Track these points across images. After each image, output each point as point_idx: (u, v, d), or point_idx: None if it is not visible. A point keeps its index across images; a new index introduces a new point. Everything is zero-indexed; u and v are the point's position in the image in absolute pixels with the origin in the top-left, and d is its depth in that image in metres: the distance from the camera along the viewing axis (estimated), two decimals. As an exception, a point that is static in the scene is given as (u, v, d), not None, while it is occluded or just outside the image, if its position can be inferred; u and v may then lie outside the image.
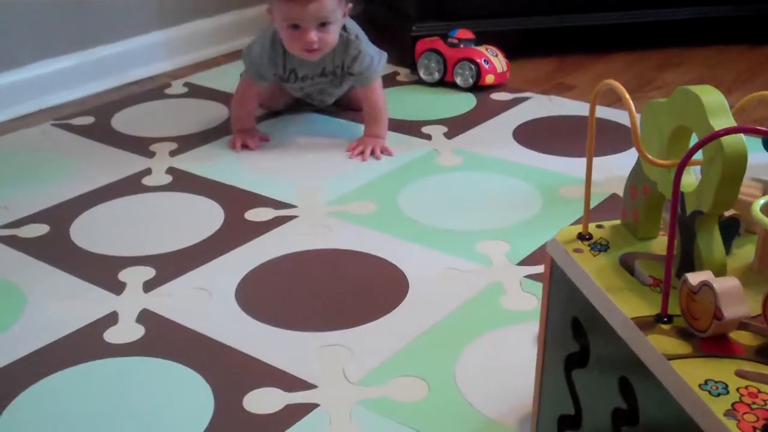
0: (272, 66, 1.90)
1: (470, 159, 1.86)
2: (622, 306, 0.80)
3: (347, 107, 2.10)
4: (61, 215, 1.65)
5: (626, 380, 0.80)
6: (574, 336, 0.92)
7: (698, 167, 0.79)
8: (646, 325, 0.77)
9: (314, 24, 1.79)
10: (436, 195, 1.70)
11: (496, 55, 2.24)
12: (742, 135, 0.74)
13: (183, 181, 1.78)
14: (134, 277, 1.45)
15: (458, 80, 2.23)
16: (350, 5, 1.86)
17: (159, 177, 1.80)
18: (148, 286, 1.43)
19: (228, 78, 2.32)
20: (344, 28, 1.89)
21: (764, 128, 0.72)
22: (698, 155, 0.76)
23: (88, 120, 2.10)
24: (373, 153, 1.88)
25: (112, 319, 1.34)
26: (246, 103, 1.96)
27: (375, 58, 1.93)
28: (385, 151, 1.89)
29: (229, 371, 1.22)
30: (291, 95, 2.06)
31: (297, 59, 1.88)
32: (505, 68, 2.25)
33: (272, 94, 2.05)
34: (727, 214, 0.87)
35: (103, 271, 1.47)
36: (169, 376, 1.22)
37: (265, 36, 1.90)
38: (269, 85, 1.97)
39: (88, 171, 1.83)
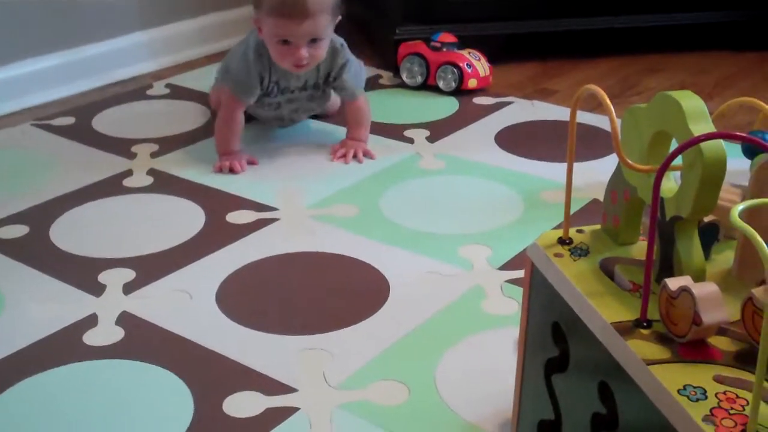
0: (258, 79, 1.82)
1: (452, 163, 1.86)
2: (602, 311, 0.81)
3: (322, 115, 2.08)
4: (41, 216, 1.64)
5: (606, 385, 0.80)
6: (554, 340, 0.92)
7: (678, 173, 0.79)
8: (626, 330, 0.78)
9: (306, 41, 1.75)
10: (418, 199, 1.70)
11: (479, 59, 2.25)
12: (721, 141, 0.74)
13: (164, 183, 1.77)
14: (114, 279, 1.45)
15: (441, 84, 2.24)
16: (339, 18, 1.82)
17: (140, 178, 1.79)
18: (128, 288, 1.42)
19: (210, 80, 2.31)
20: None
21: (743, 134, 0.72)
22: (678, 160, 0.76)
23: (69, 120, 2.09)
24: (355, 156, 1.87)
25: (91, 321, 1.34)
26: (233, 125, 1.86)
27: (358, 67, 1.92)
28: (367, 154, 1.88)
29: (209, 374, 1.22)
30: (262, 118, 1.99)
31: (281, 70, 1.83)
32: (488, 72, 2.25)
33: None
34: (706, 219, 0.87)
35: (82, 273, 1.46)
36: (148, 379, 1.21)
37: (248, 48, 1.83)
38: (251, 100, 1.87)
39: (68, 172, 1.82)
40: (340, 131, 1.97)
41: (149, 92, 2.28)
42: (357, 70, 1.91)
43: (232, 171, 1.82)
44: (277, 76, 1.84)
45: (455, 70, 2.21)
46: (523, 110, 2.15)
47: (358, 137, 1.91)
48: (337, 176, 1.80)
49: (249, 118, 1.99)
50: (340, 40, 1.87)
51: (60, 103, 2.21)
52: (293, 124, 2.02)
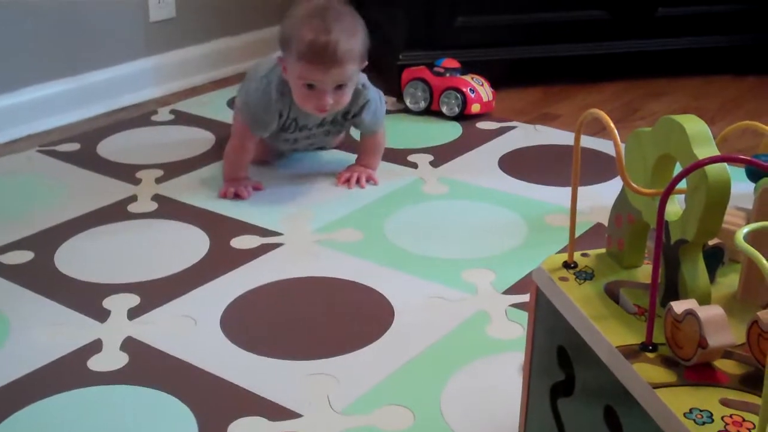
0: (276, 115, 1.80)
1: (456, 187, 1.86)
2: (608, 334, 0.80)
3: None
4: (46, 242, 1.65)
5: (611, 409, 0.80)
6: (559, 365, 0.91)
7: (683, 196, 0.79)
8: (632, 353, 0.77)
9: (332, 86, 1.72)
10: (422, 223, 1.70)
11: (482, 85, 2.25)
12: (725, 164, 0.74)
13: (168, 209, 1.78)
14: (119, 304, 1.45)
15: (444, 109, 2.24)
16: (366, 63, 1.79)
17: (144, 204, 1.80)
18: (133, 313, 1.42)
19: (215, 106, 2.32)
20: None
21: (747, 157, 0.72)
22: (683, 184, 0.76)
23: (74, 146, 2.09)
24: (358, 181, 1.86)
25: (96, 346, 1.34)
26: (243, 154, 1.84)
27: (379, 104, 1.88)
28: (370, 179, 1.88)
29: (213, 400, 1.21)
30: (276, 149, 1.98)
31: (302, 110, 1.79)
32: (491, 97, 2.26)
33: (262, 146, 1.93)
34: (711, 242, 0.87)
35: (87, 299, 1.46)
36: (153, 405, 1.21)
37: (270, 83, 1.79)
38: (265, 134, 1.85)
39: (73, 198, 1.82)
40: (349, 159, 1.97)
41: (154, 118, 2.28)
42: (377, 107, 1.88)
43: (238, 197, 1.80)
44: (296, 114, 1.82)
45: (458, 95, 2.22)
46: (526, 135, 2.15)
47: (367, 164, 1.91)
48: (341, 201, 1.80)
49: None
50: (362, 79, 1.84)
51: (65, 130, 2.21)
52: (306, 152, 2.02)
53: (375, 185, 1.87)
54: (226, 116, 2.25)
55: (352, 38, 1.71)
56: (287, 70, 1.74)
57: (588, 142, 2.04)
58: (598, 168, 1.90)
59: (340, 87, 1.73)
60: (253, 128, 1.81)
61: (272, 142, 1.92)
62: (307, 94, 1.72)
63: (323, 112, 1.76)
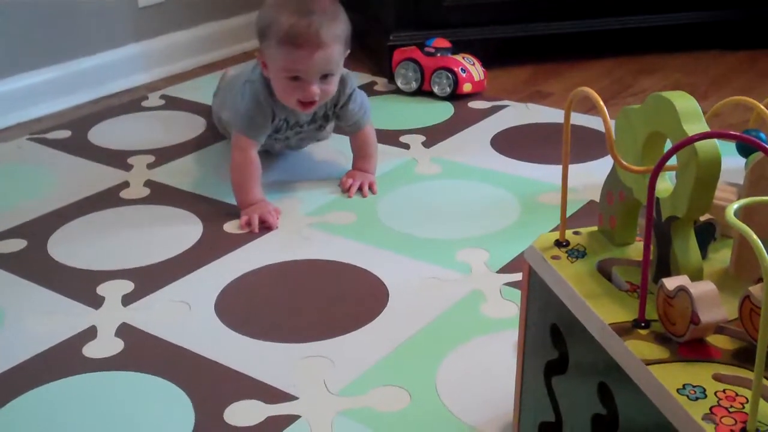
0: (270, 116, 1.69)
1: (449, 167, 1.86)
2: (600, 312, 0.81)
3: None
4: (39, 230, 1.64)
5: (605, 386, 0.81)
6: (553, 343, 0.92)
7: (673, 173, 0.79)
8: (624, 330, 0.78)
9: (317, 76, 1.61)
10: (415, 204, 1.70)
11: (473, 64, 2.25)
12: (715, 140, 0.75)
13: (161, 194, 1.77)
14: (113, 290, 1.45)
15: (436, 89, 2.24)
16: (348, 51, 1.69)
17: (137, 190, 1.79)
18: (127, 299, 1.42)
19: (205, 90, 2.31)
20: None
21: (737, 132, 0.73)
22: (673, 161, 0.76)
23: (65, 134, 2.09)
24: (360, 189, 1.75)
25: (90, 333, 1.34)
26: (249, 167, 1.68)
27: (365, 99, 1.79)
28: (372, 187, 1.76)
29: (209, 384, 1.22)
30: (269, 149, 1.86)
31: (291, 108, 1.70)
32: (483, 77, 2.25)
33: None
34: (702, 218, 0.87)
35: (81, 286, 1.46)
36: (148, 390, 1.21)
37: (254, 84, 1.68)
38: (263, 139, 1.72)
39: (65, 185, 1.82)
40: (337, 139, 1.97)
41: (144, 104, 2.28)
42: (363, 97, 1.79)
43: (265, 225, 1.63)
44: (285, 113, 1.71)
45: (450, 75, 2.21)
46: (518, 113, 2.15)
47: (365, 169, 1.80)
48: (333, 184, 1.80)
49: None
50: (344, 71, 1.73)
51: (55, 117, 2.21)
52: (299, 149, 1.93)
53: (375, 195, 1.75)
54: (217, 100, 2.24)
55: (334, 21, 1.62)
56: (267, 66, 1.64)
57: (580, 119, 2.04)
58: (590, 145, 1.90)
59: (326, 77, 1.63)
60: (251, 134, 1.68)
61: (264, 144, 1.77)
62: (292, 86, 1.62)
63: (310, 107, 1.66)
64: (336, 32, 1.61)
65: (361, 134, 1.81)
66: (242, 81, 1.75)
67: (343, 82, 1.72)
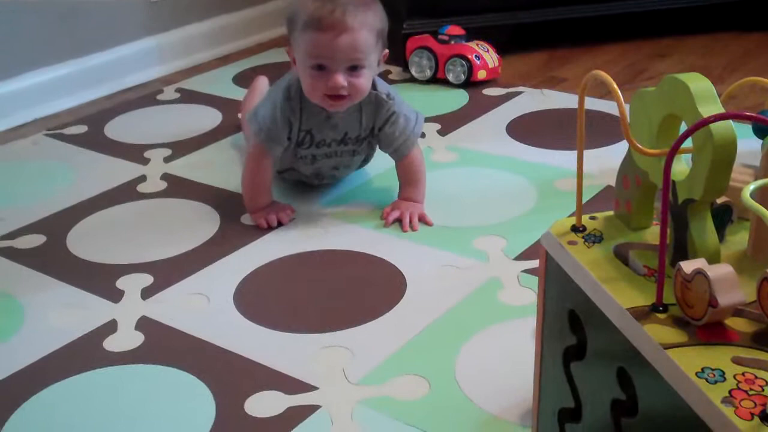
0: (286, 125, 1.58)
1: (464, 155, 1.86)
2: (618, 297, 0.80)
3: None
4: (57, 225, 1.65)
5: (624, 371, 0.80)
6: (571, 329, 0.91)
7: (689, 155, 0.79)
8: (642, 315, 0.77)
9: (343, 65, 1.50)
10: (432, 192, 1.70)
11: (487, 51, 2.24)
12: (730, 121, 0.74)
13: (178, 187, 1.78)
14: (132, 284, 1.45)
15: (450, 77, 2.24)
16: (387, 52, 1.59)
17: (154, 183, 1.80)
18: (146, 293, 1.43)
19: (220, 83, 2.32)
20: (373, 86, 1.59)
21: (753, 114, 0.72)
22: (689, 143, 0.76)
23: (82, 129, 2.10)
24: (401, 221, 1.60)
25: (111, 327, 1.34)
26: (259, 175, 1.63)
27: (411, 120, 1.64)
28: (422, 219, 1.61)
29: (229, 376, 1.22)
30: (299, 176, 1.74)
31: (315, 118, 1.59)
32: (497, 63, 2.25)
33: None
34: (719, 201, 0.87)
35: (100, 280, 1.47)
36: (169, 383, 1.22)
37: (278, 90, 1.61)
38: (279, 152, 1.63)
39: (82, 180, 1.83)
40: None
41: (160, 97, 2.28)
42: (406, 122, 1.63)
43: (278, 222, 1.61)
44: (309, 125, 1.60)
45: (464, 62, 2.21)
46: (533, 100, 2.14)
47: (412, 197, 1.64)
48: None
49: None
50: (388, 89, 1.63)
51: (72, 112, 2.22)
52: (334, 181, 1.77)
53: (430, 226, 1.60)
54: (232, 93, 2.25)
55: (364, 7, 1.52)
56: (296, 61, 1.55)
57: (595, 104, 2.03)
58: (606, 130, 1.89)
59: (354, 69, 1.52)
60: (265, 141, 1.60)
61: (292, 165, 1.69)
62: (316, 76, 1.51)
63: (337, 101, 1.53)
64: (365, 19, 1.50)
65: (406, 160, 1.65)
66: (272, 89, 1.69)
67: (379, 101, 1.60)
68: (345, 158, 1.68)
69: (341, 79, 1.50)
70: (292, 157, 1.66)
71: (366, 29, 1.50)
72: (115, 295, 1.42)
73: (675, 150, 0.73)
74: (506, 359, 1.22)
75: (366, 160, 1.76)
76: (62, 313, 1.38)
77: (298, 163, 1.68)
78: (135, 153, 1.95)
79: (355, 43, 1.49)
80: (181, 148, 1.96)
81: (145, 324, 1.35)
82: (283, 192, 1.72)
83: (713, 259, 0.79)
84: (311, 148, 1.64)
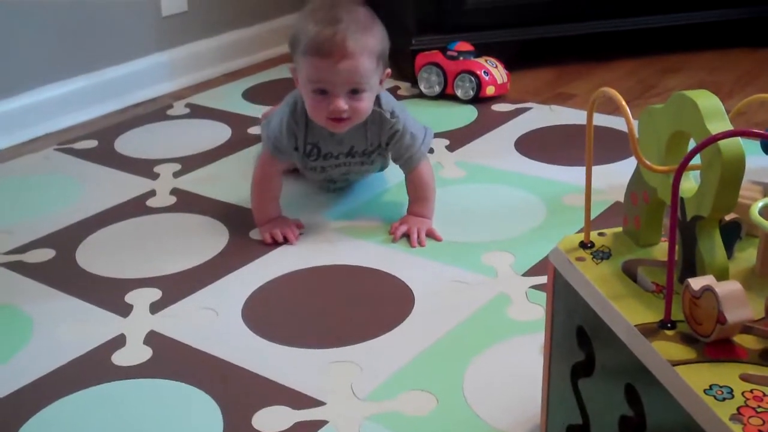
0: (291, 138, 1.61)
1: (473, 171, 1.86)
2: (626, 313, 0.80)
3: None
4: (67, 239, 1.66)
5: (632, 387, 0.80)
6: (579, 345, 0.92)
7: (698, 172, 0.79)
8: (650, 331, 0.77)
9: (344, 90, 1.51)
10: (440, 208, 1.70)
11: (496, 67, 2.25)
12: (739, 138, 0.74)
13: (187, 202, 1.79)
14: (141, 298, 1.46)
15: (459, 93, 2.24)
16: (389, 71, 1.60)
17: (163, 198, 1.81)
18: (155, 307, 1.43)
19: (229, 98, 2.33)
20: (378, 102, 1.60)
21: (761, 131, 0.72)
22: (697, 160, 0.76)
23: (92, 143, 2.10)
24: (408, 236, 1.60)
25: (119, 341, 1.35)
26: (267, 183, 1.64)
27: (419, 137, 1.64)
28: (431, 235, 1.61)
29: (237, 390, 1.22)
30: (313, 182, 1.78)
31: (321, 132, 1.61)
32: (506, 79, 2.25)
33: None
34: (728, 218, 0.87)
35: (109, 294, 1.47)
36: (177, 397, 1.22)
37: (287, 104, 1.62)
38: (288, 161, 1.67)
39: (92, 194, 1.84)
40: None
41: (169, 112, 2.29)
42: (411, 138, 1.63)
43: (284, 240, 1.61)
44: (315, 139, 1.62)
45: (473, 78, 2.21)
46: (541, 116, 2.14)
47: (421, 213, 1.64)
48: (359, 189, 1.80)
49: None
50: (392, 107, 1.62)
51: (82, 127, 2.23)
52: (348, 185, 1.80)
53: (439, 241, 1.60)
54: (241, 109, 2.26)
55: (364, 32, 1.52)
56: (298, 81, 1.57)
57: (604, 120, 2.03)
58: (614, 146, 1.89)
59: (356, 93, 1.52)
60: (272, 150, 1.62)
61: (305, 174, 1.73)
62: (318, 100, 1.53)
63: (339, 124, 1.55)
64: (366, 44, 1.51)
65: (414, 174, 1.65)
66: (285, 98, 1.69)
67: (382, 119, 1.60)
68: (354, 167, 1.70)
69: (342, 104, 1.52)
70: (302, 167, 1.70)
71: (366, 54, 1.51)
72: (124, 310, 1.43)
73: (683, 167, 0.73)
74: (514, 375, 1.22)
75: (382, 168, 1.77)
76: (71, 328, 1.39)
77: (307, 172, 1.71)
78: (144, 168, 1.96)
79: (356, 68, 1.50)
80: (190, 163, 1.97)
81: (153, 338, 1.35)
82: (291, 204, 1.72)
83: (722, 275, 0.79)
84: (319, 160, 1.66)
